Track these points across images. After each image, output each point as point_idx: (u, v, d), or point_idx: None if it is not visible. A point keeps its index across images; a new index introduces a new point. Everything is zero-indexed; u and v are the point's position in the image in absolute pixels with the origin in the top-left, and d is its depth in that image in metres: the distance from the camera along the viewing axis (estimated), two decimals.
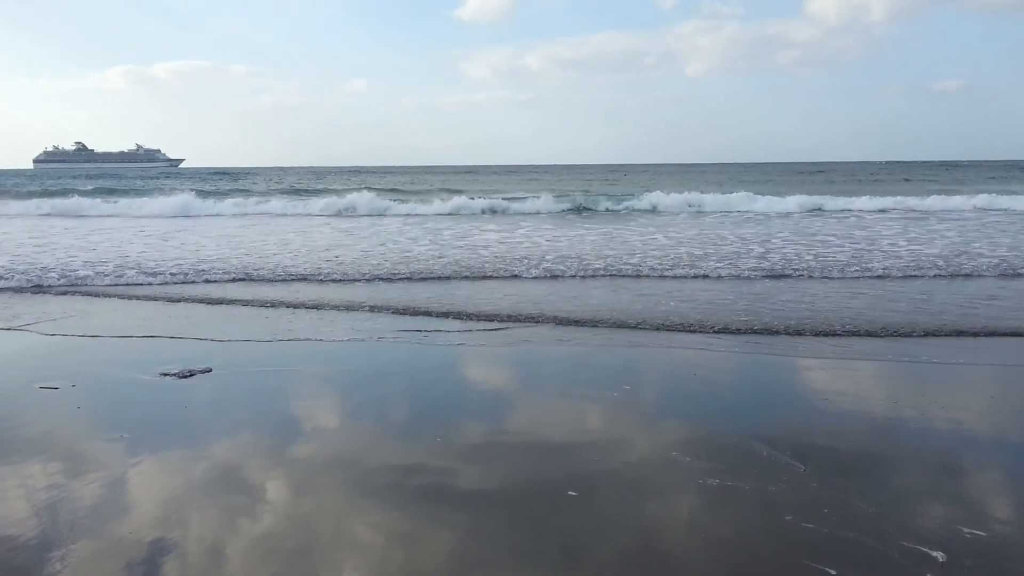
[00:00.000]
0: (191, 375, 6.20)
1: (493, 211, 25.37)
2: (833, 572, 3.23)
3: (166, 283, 11.03)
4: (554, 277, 11.37)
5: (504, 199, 28.32)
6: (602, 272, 11.70)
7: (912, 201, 26.58)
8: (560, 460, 4.46)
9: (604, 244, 15.78)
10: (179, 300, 9.75)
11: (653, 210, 25.82)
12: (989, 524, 3.62)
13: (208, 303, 9.54)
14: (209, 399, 5.71)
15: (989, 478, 4.24)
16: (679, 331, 7.71)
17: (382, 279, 11.29)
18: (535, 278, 11.29)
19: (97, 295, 10.19)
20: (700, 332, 7.66)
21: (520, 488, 4.09)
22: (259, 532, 3.62)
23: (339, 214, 25.43)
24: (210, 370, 6.34)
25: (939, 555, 3.33)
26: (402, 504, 3.91)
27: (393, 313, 8.73)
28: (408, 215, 24.84)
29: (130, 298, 10.03)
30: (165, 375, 6.20)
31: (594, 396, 5.68)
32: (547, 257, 13.41)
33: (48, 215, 25.44)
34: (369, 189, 34.67)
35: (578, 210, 26.08)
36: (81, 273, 11.69)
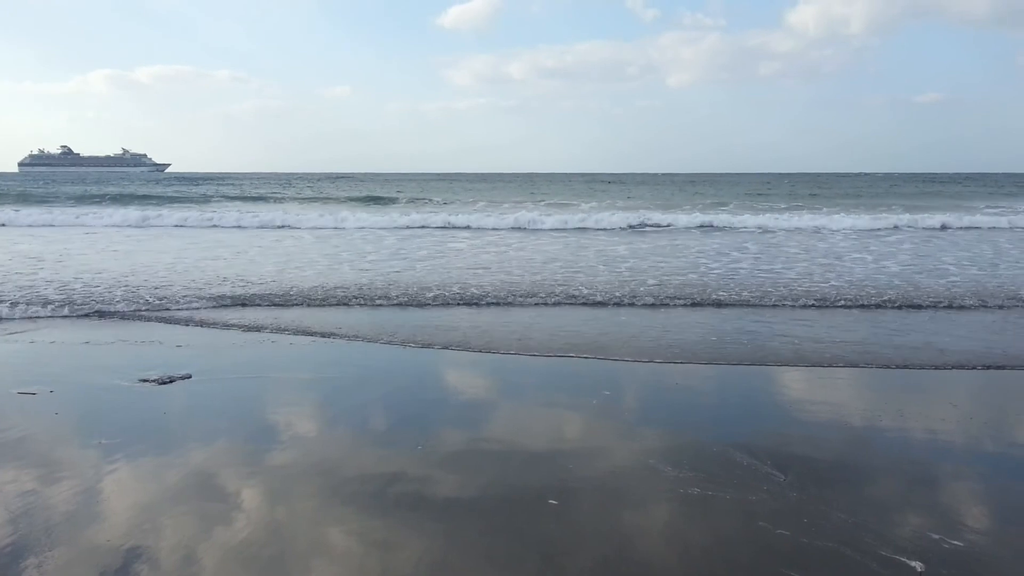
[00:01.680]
0: (171, 381, 6.14)
1: (465, 226, 23.43)
2: None
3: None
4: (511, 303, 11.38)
5: (475, 211, 27.45)
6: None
7: None
8: (540, 469, 4.46)
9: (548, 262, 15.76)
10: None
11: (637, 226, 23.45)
12: (966, 534, 3.65)
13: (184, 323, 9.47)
14: (189, 405, 5.67)
15: (966, 488, 4.29)
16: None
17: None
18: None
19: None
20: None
21: (501, 496, 4.09)
22: (237, 540, 3.59)
23: (320, 227, 24.89)
24: (190, 376, 6.29)
25: (917, 565, 3.36)
26: (381, 512, 3.89)
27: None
28: (394, 228, 24.11)
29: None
30: (144, 381, 6.14)
31: (575, 405, 5.69)
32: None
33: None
34: (350, 199, 34.40)
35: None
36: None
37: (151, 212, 26.99)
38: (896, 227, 22.42)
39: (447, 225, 23.22)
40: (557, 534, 3.66)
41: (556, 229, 22.19)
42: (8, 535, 3.60)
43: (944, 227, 22.71)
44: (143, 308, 9.35)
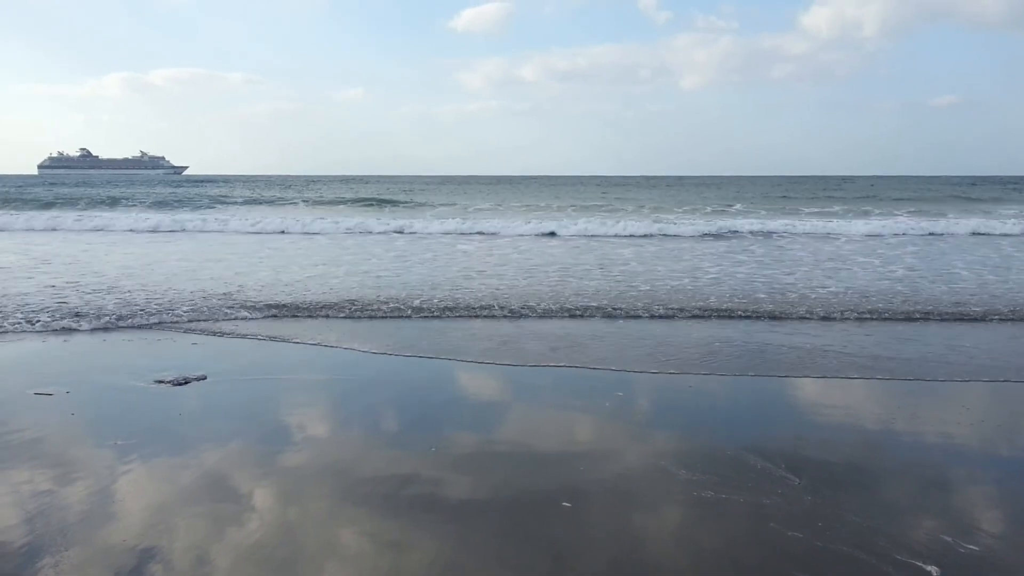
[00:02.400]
0: (186, 382, 6.18)
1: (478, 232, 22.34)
2: None
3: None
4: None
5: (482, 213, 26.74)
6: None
7: None
8: (553, 471, 4.46)
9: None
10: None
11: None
12: (981, 538, 3.63)
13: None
14: (203, 407, 5.70)
15: (980, 492, 4.26)
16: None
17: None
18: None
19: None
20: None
21: (514, 498, 4.09)
22: (252, 541, 3.61)
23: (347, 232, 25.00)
24: (205, 377, 6.32)
25: (933, 569, 3.34)
26: (394, 514, 3.90)
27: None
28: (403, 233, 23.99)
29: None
30: (160, 382, 6.17)
31: (587, 408, 5.69)
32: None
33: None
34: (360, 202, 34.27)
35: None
36: None
37: (180, 215, 27.42)
38: (906, 232, 22.09)
39: (457, 231, 23.06)
40: (570, 536, 3.66)
41: (570, 236, 21.99)
42: (24, 535, 3.64)
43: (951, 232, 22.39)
44: (153, 320, 9.41)
